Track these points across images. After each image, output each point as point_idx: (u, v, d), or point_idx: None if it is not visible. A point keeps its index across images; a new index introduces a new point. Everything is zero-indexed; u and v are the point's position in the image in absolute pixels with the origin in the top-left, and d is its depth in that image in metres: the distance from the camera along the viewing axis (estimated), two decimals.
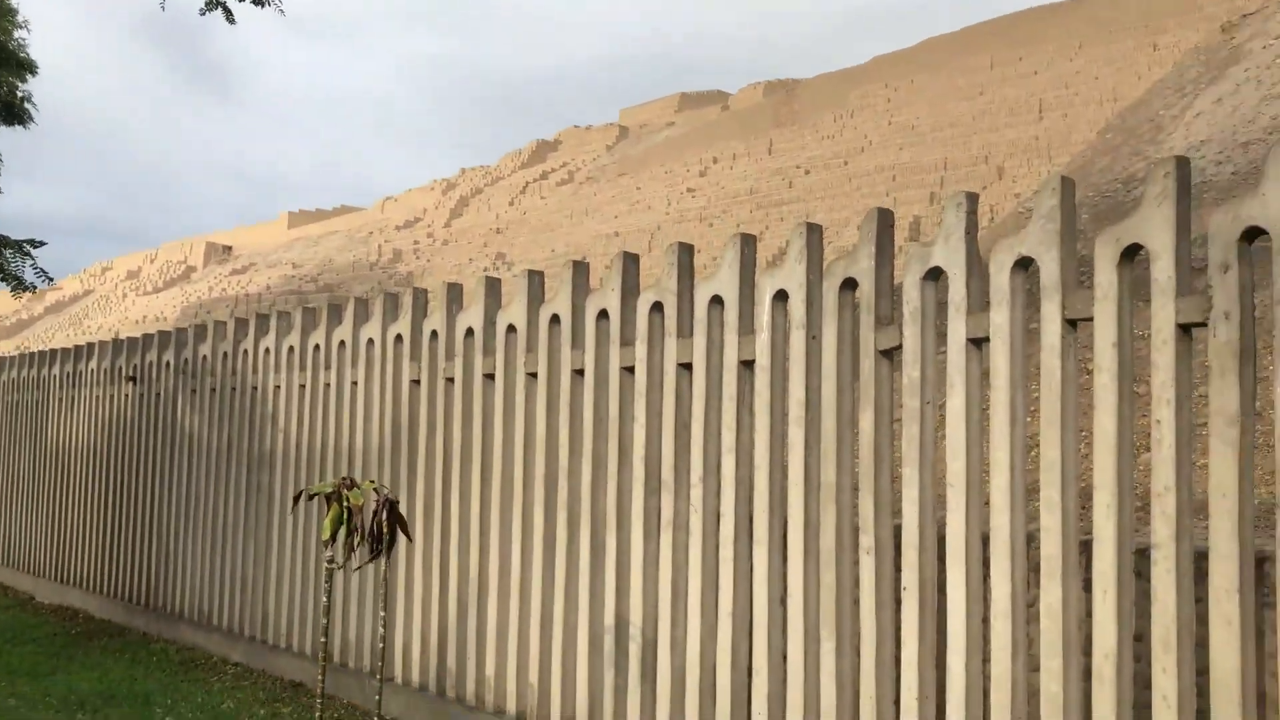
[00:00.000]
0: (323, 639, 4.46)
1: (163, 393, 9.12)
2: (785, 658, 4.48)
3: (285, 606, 7.44)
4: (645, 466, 5.14)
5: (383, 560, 4.03)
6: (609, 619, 5.22)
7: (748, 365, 4.80)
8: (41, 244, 6.50)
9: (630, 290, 5.42)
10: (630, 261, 5.49)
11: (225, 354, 8.37)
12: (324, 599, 4.39)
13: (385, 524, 3.94)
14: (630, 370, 5.32)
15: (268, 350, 7.93)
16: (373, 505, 3.99)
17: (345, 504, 3.89)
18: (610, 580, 5.24)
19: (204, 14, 7.98)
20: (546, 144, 66.42)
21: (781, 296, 4.68)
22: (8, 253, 6.26)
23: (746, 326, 4.81)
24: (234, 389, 8.25)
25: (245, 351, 8.16)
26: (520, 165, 64.11)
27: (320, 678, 4.53)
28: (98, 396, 10.15)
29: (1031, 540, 4.02)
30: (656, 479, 5.12)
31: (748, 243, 4.92)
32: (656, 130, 64.12)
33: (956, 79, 50.40)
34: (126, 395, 9.65)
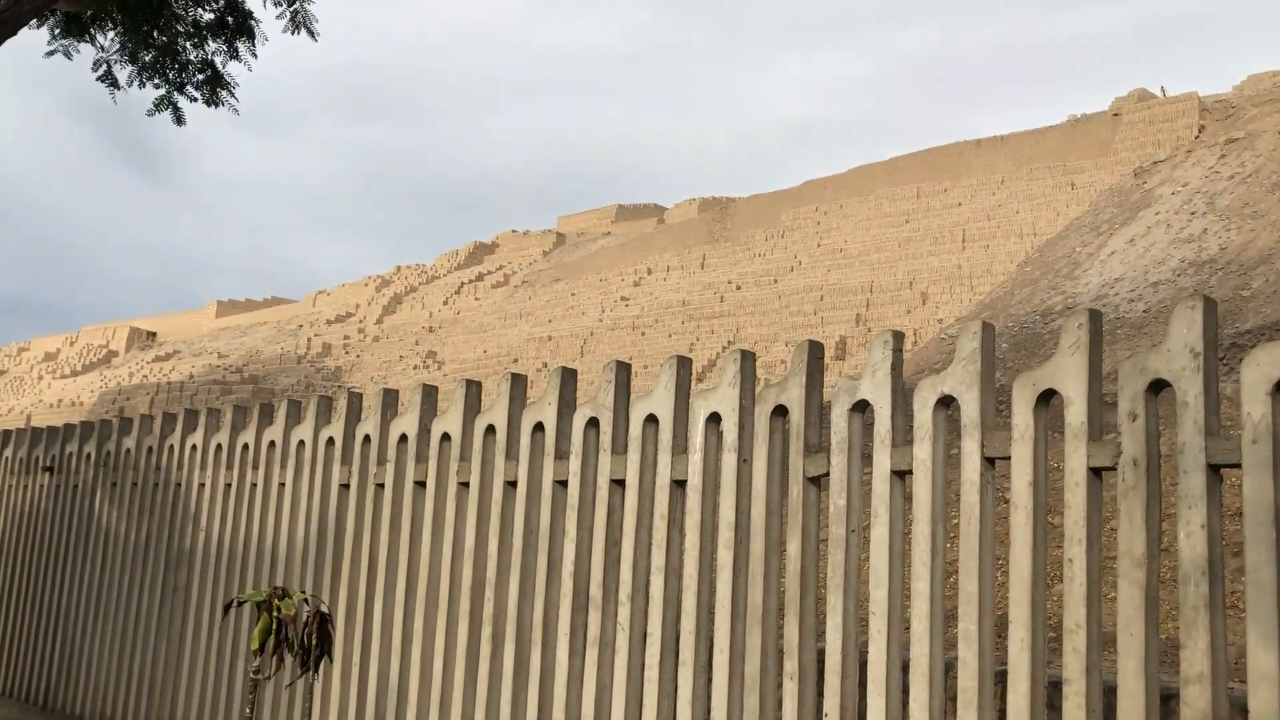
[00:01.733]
0: None
1: (81, 485, 8.92)
2: None
3: (194, 711, 7.22)
4: (574, 582, 5.17)
5: (313, 675, 3.99)
6: None
7: (680, 484, 4.90)
8: None
9: (567, 404, 5.52)
10: (568, 376, 5.60)
11: (150, 448, 8.24)
12: (248, 710, 4.30)
13: (315, 637, 3.91)
14: (563, 484, 5.39)
15: (194, 447, 7.84)
16: (304, 617, 3.97)
17: (276, 614, 3.87)
18: (533, 697, 5.21)
19: (151, 114, 8.06)
20: (484, 246, 66.97)
21: (715, 419, 4.81)
22: None
23: (680, 446, 4.93)
24: (156, 485, 8.12)
25: (171, 447, 8.06)
26: (456, 266, 64.46)
27: None
28: (10, 485, 9.88)
29: (949, 669, 4.13)
30: (584, 595, 5.15)
31: (683, 364, 5.07)
32: (593, 239, 65.09)
33: (884, 206, 52.20)
34: (42, 485, 9.42)
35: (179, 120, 8.25)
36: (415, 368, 41.33)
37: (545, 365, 42.03)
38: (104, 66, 8.26)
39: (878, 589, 4.15)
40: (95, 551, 8.59)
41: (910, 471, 4.15)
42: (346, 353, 46.41)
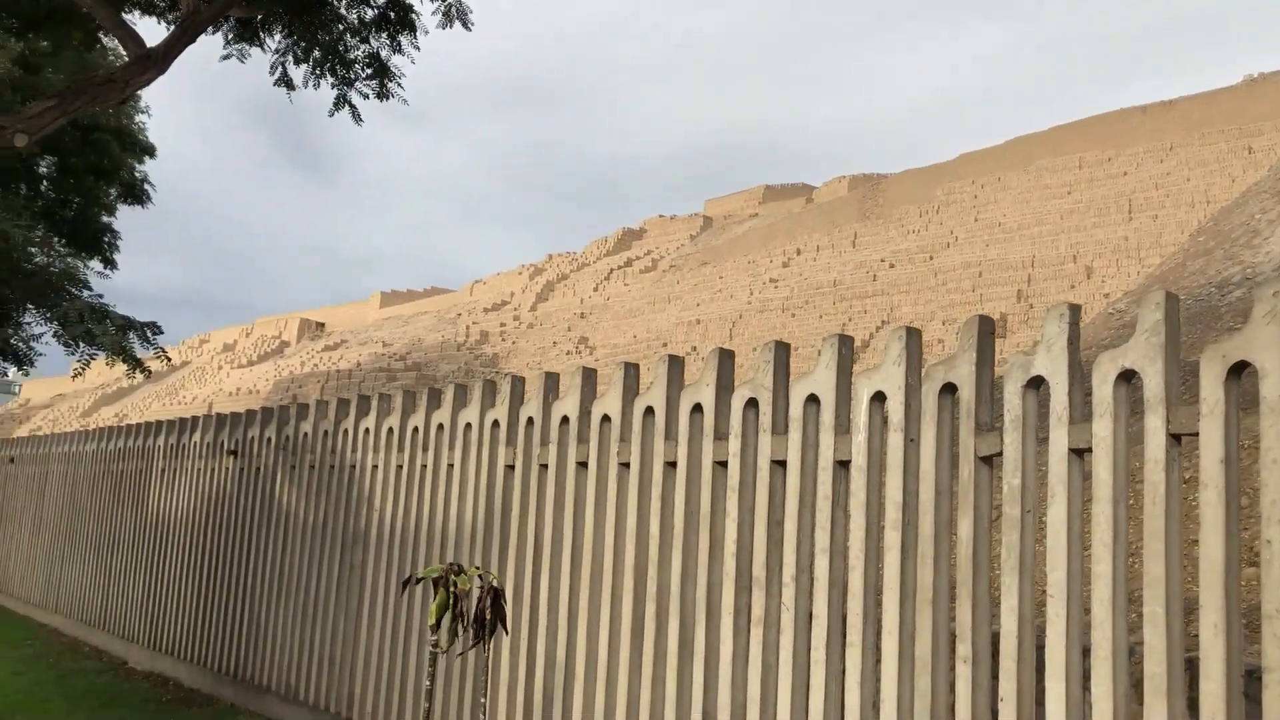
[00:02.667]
0: None
1: (262, 468, 9.41)
2: None
3: (372, 686, 7.53)
4: (737, 563, 5.17)
5: (484, 648, 4.11)
6: (696, 715, 5.21)
7: (843, 465, 4.84)
8: (160, 331, 6.83)
9: (725, 385, 5.52)
10: (726, 357, 5.59)
11: (326, 432, 8.63)
12: (426, 683, 4.47)
13: (489, 611, 4.03)
14: (723, 465, 5.39)
15: (367, 430, 8.16)
16: (477, 592, 4.09)
17: (452, 590, 4.00)
18: (698, 676, 5.25)
19: (332, 114, 8.40)
20: (632, 232, 67.46)
21: (879, 398, 4.73)
22: (132, 335, 6.58)
23: (843, 426, 4.86)
24: (332, 467, 8.49)
25: (345, 431, 8.41)
26: (606, 252, 65.13)
27: None
28: (199, 469, 10.49)
29: (1132, 654, 3.96)
30: (748, 576, 5.15)
31: (845, 343, 5.00)
32: (741, 221, 64.78)
33: (1045, 177, 50.23)
34: (227, 469, 9.97)
35: (357, 118, 8.57)
36: (568, 353, 41.99)
37: (694, 349, 42.11)
38: (280, 69, 8.65)
39: (1055, 571, 4.01)
40: (277, 531, 9.05)
41: (1089, 449, 3.99)
42: (503, 339, 47.50)
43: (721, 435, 5.41)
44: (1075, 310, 4.14)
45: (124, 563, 11.73)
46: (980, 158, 55.77)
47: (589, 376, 6.45)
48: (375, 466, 8.03)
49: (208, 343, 67.88)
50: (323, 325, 61.15)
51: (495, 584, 4.08)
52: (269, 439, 9.38)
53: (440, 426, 7.46)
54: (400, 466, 7.79)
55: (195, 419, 10.90)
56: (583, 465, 6.26)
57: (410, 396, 7.97)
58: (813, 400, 5.00)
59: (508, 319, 52.94)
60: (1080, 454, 4.04)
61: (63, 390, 72.62)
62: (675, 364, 5.87)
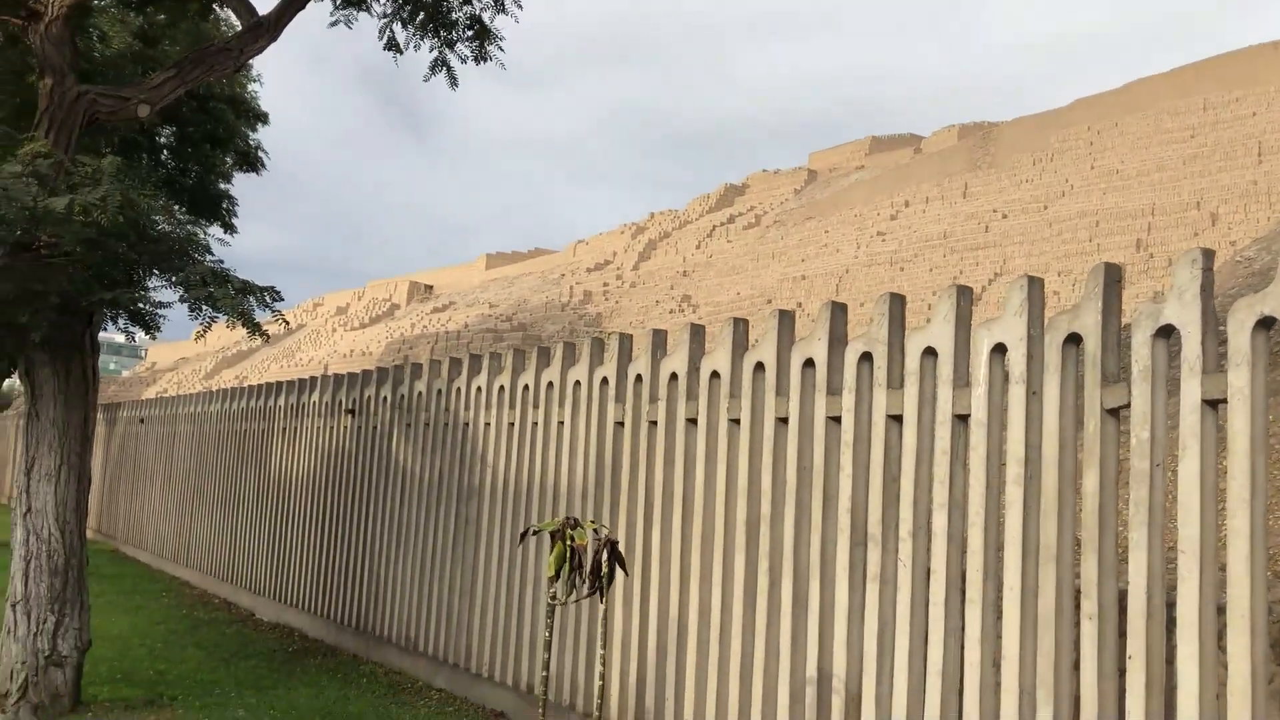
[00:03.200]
0: (544, 673, 4.62)
1: (379, 426, 9.64)
2: None
3: (489, 638, 7.70)
4: (851, 519, 5.12)
5: (600, 600, 4.15)
6: (810, 670, 5.20)
7: (962, 419, 4.73)
8: (280, 297, 7.02)
9: (838, 339, 5.43)
10: (838, 311, 5.50)
11: (439, 391, 8.79)
12: (545, 634, 4.54)
13: (606, 564, 4.06)
14: (836, 420, 5.32)
15: (479, 389, 8.29)
16: (593, 545, 4.13)
17: (569, 543, 4.04)
18: (813, 631, 5.22)
19: (428, 79, 8.46)
20: (734, 188, 66.90)
21: (999, 350, 4.60)
22: (250, 298, 6.77)
23: (961, 380, 4.75)
24: (446, 425, 8.65)
25: (458, 389, 8.55)
26: (708, 209, 64.76)
27: (541, 715, 4.66)
28: (318, 427, 10.81)
29: (1271, 614, 3.80)
30: (863, 532, 5.09)
31: (964, 294, 4.87)
32: (846, 174, 63.69)
33: (1165, 121, 48.12)
34: (345, 427, 10.24)
35: (453, 82, 8.61)
36: (670, 312, 41.97)
37: (799, 305, 41.66)
38: (387, 33, 8.74)
39: (1186, 527, 3.86)
40: (394, 487, 9.28)
41: (1223, 400, 3.81)
42: (606, 299, 47.69)
43: (835, 390, 5.34)
44: (1209, 256, 3.96)
45: (249, 519, 12.18)
46: (1096, 102, 53.66)
47: (697, 333, 6.43)
48: (488, 424, 8.15)
49: (321, 306, 69.79)
50: (431, 287, 62.27)
51: (611, 536, 4.11)
52: (385, 398, 9.60)
53: (550, 384, 7.53)
54: (512, 424, 7.89)
55: (314, 380, 11.22)
56: (692, 422, 6.25)
57: (520, 355, 8.06)
58: (930, 353, 4.89)
59: (610, 278, 53.12)
60: (1214, 405, 3.88)
61: (186, 354, 75.48)
62: (785, 319, 5.80)
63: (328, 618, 10.06)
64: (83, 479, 7.19)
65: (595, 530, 4.17)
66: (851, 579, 5.07)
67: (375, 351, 44.44)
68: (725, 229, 58.16)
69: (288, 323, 7.66)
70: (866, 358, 5.21)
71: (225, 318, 6.69)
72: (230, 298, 6.55)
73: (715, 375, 6.10)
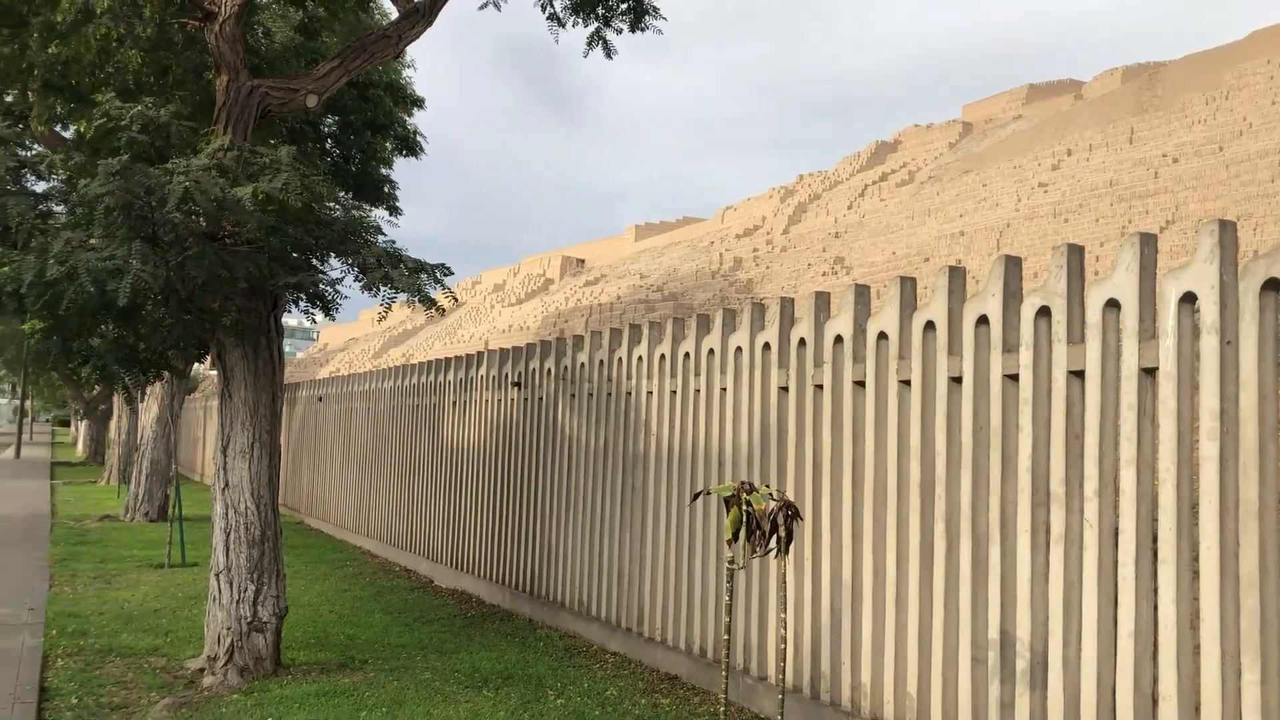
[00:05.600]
0: (725, 637, 4.66)
1: (545, 397, 9.85)
2: (1198, 685, 4.18)
3: (659, 602, 7.81)
4: (1032, 478, 4.97)
5: (782, 563, 4.16)
6: (993, 633, 5.09)
7: (1148, 373, 4.53)
8: (450, 272, 7.23)
9: (1013, 294, 5.26)
10: (1012, 265, 5.32)
11: (601, 361, 8.92)
12: (725, 598, 4.57)
13: (784, 527, 4.06)
14: (1013, 378, 5.16)
15: (640, 358, 8.37)
16: (770, 508, 4.14)
17: (746, 506, 4.06)
18: (994, 595, 5.10)
19: (586, 54, 8.54)
20: (885, 145, 65.32)
21: (1188, 299, 4.37)
22: (423, 276, 7.00)
23: (1147, 331, 4.54)
24: (609, 394, 8.78)
25: (620, 359, 8.66)
26: (859, 168, 63.48)
27: (724, 677, 4.71)
28: (486, 400, 11.12)
29: None
30: (1044, 492, 4.93)
31: (1147, 242, 4.64)
32: (1003, 124, 61.38)
33: None
34: (512, 399, 10.51)
35: (609, 53, 8.67)
36: (823, 274, 41.37)
37: (958, 262, 40.44)
38: (549, 8, 8.86)
39: None
40: (561, 456, 9.48)
41: None
42: (756, 265, 47.35)
43: (1010, 347, 5.18)
44: None
45: (424, 489, 12.65)
46: (1276, 34, 50.04)
47: (862, 294, 6.32)
48: (649, 393, 8.23)
49: (479, 284, 71.60)
50: (583, 261, 63.04)
51: (789, 501, 4.10)
52: (549, 370, 9.80)
53: (711, 351, 7.54)
54: (674, 392, 7.94)
55: (480, 354, 11.53)
56: (860, 384, 6.17)
57: (680, 324, 8.09)
58: (1112, 305, 4.69)
59: (760, 244, 52.72)
60: None
61: (355, 335, 78.60)
62: (956, 275, 5.65)
63: (502, 583, 10.38)
64: (273, 455, 7.59)
65: (771, 494, 4.16)
66: (1034, 540, 4.93)
67: (532, 326, 45.32)
68: (877, 187, 56.91)
69: (457, 299, 7.90)
70: (1044, 312, 5.03)
71: (404, 297, 6.94)
72: (405, 277, 6.79)
73: (883, 336, 6.00)
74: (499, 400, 10.81)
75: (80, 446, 48.31)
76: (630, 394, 8.49)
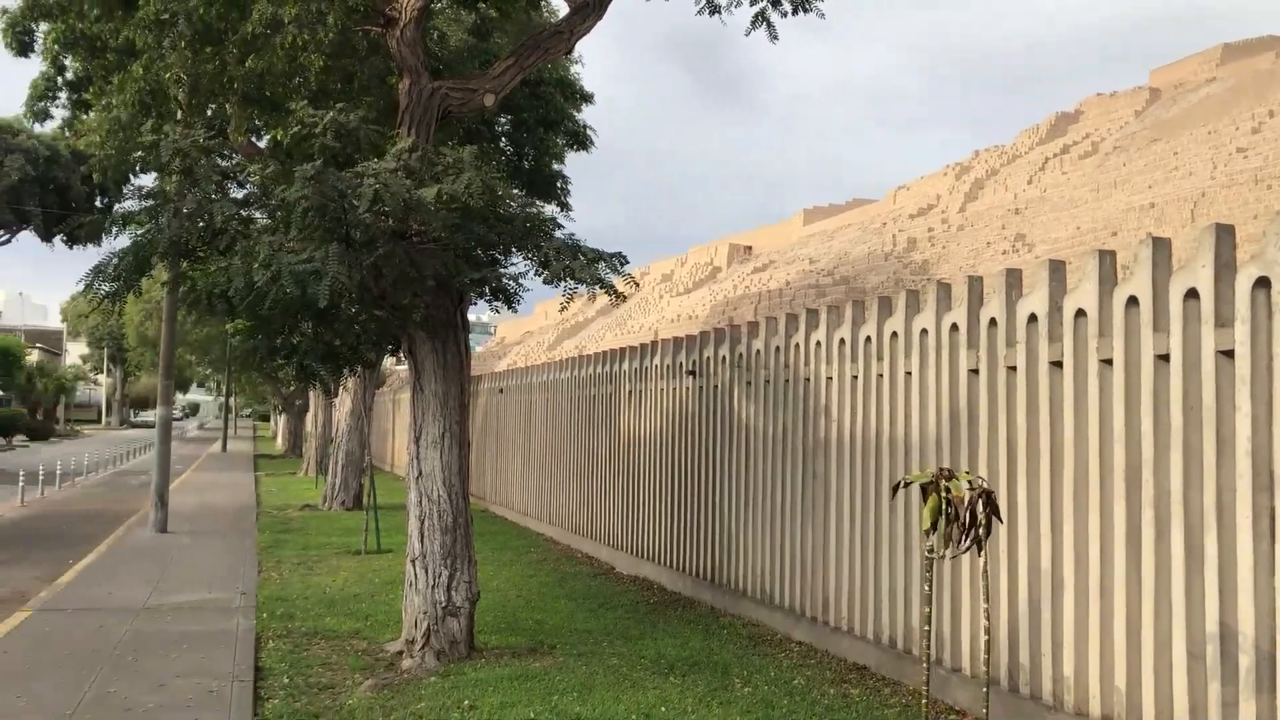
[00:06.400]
0: (926, 628, 4.53)
1: (720, 385, 9.82)
2: None
3: (845, 591, 7.68)
4: (1252, 462, 4.63)
5: (982, 552, 4.00)
6: (1210, 626, 4.78)
7: None
8: (626, 261, 7.30)
9: (1225, 265, 4.92)
10: (1224, 233, 4.98)
11: (777, 348, 8.82)
12: (925, 588, 4.45)
13: (983, 515, 3.91)
14: (1228, 354, 4.83)
15: (818, 343, 8.24)
16: (968, 495, 3.99)
17: (945, 494, 3.92)
18: (1211, 585, 4.79)
19: (749, 34, 8.45)
20: (1066, 116, 62.44)
21: None
22: (602, 265, 7.09)
23: None
24: (786, 381, 8.67)
25: (796, 345, 8.54)
26: (1038, 141, 60.89)
27: (926, 670, 4.58)
28: (662, 389, 11.17)
29: None
30: (1267, 475, 4.60)
31: None
32: (1195, 88, 57.75)
33: None
34: (687, 388, 10.52)
35: (773, 36, 8.55)
36: (1004, 253, 39.91)
37: (1148, 236, 38.10)
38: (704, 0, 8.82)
39: None
40: (738, 444, 9.43)
41: None
42: (931, 245, 46.07)
43: (1224, 322, 4.84)
44: None
45: (602, 477, 12.82)
46: None
47: (1056, 269, 6.04)
48: (829, 378, 8.09)
49: (648, 274, 72.15)
50: (750, 248, 62.69)
51: (987, 487, 3.94)
52: (724, 357, 9.76)
53: (894, 334, 7.35)
54: (855, 377, 7.78)
55: (655, 344, 11.60)
56: (1056, 365, 5.89)
57: (859, 306, 7.92)
58: None
59: (935, 223, 51.25)
60: None
61: (530, 328, 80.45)
62: (1160, 246, 5.32)
63: (682, 571, 10.42)
64: (463, 445, 7.82)
65: (969, 482, 4.01)
66: (1256, 528, 4.60)
67: (701, 315, 45.36)
68: (1059, 160, 54.47)
69: (638, 285, 7.96)
70: (1262, 284, 4.68)
71: (585, 288, 7.04)
72: (585, 267, 6.88)
73: (1080, 314, 5.71)
74: (674, 389, 10.84)
75: (280, 440, 51.22)
76: (809, 380, 8.37)
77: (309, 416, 32.61)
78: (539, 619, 8.96)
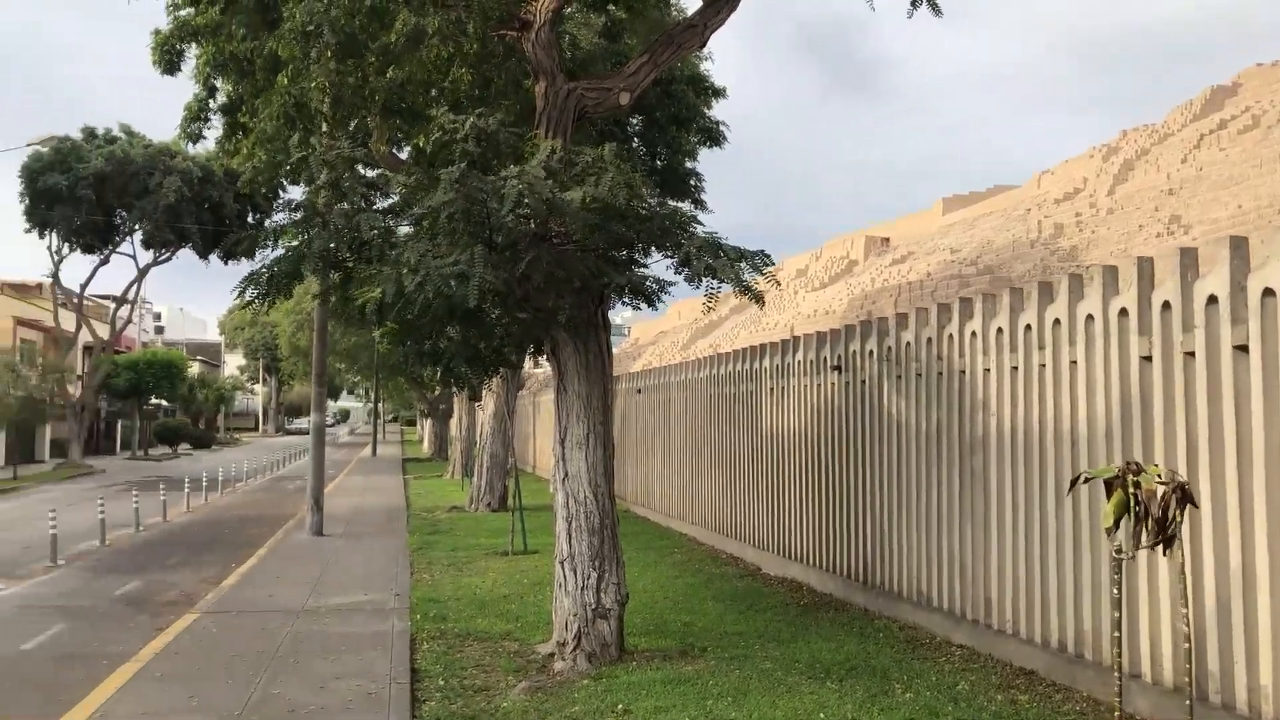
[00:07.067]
0: (1117, 633, 4.23)
1: (867, 380, 9.54)
2: None
3: (1009, 592, 7.33)
4: None
5: (1171, 553, 3.70)
6: None
7: None
8: (770, 261, 7.12)
9: None
10: None
11: (929, 339, 8.50)
12: (1115, 592, 4.14)
13: (1176, 511, 3.61)
14: None
15: (974, 333, 7.89)
16: (1159, 491, 3.69)
17: (1133, 490, 3.64)
18: None
19: (910, 15, 8.13)
20: (1222, 89, 59.18)
21: None
22: (743, 265, 6.92)
23: None
24: (939, 374, 8.35)
25: (950, 336, 8.21)
26: (1191, 117, 57.93)
27: (1117, 678, 4.27)
28: (805, 385, 10.93)
29: None
30: None
31: None
32: None
33: None
34: (832, 383, 10.26)
35: (937, 12, 8.21)
36: (1158, 235, 38.04)
37: None
38: None
39: None
40: (887, 441, 9.13)
41: None
42: (1079, 230, 44.30)
43: None
44: None
45: (744, 476, 12.64)
46: None
47: (1239, 246, 5.61)
48: (986, 370, 7.75)
49: (781, 270, 71.48)
50: (887, 240, 61.46)
51: (1181, 480, 3.63)
52: (870, 351, 9.47)
53: (1056, 321, 6.97)
54: (1014, 368, 7.43)
55: (796, 339, 11.36)
56: (1241, 349, 5.47)
57: (1018, 294, 7.55)
58: None
59: (1083, 207, 49.28)
60: None
61: (663, 328, 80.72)
62: None
63: (832, 572, 10.16)
64: (607, 445, 7.77)
65: (1159, 476, 3.71)
66: None
67: (838, 310, 44.66)
68: (1215, 136, 51.70)
69: (779, 284, 7.77)
70: None
71: (731, 288, 6.90)
72: (727, 266, 6.73)
73: (1269, 293, 5.29)
74: (818, 385, 10.59)
75: (425, 444, 52.60)
76: (963, 373, 8.03)
77: (453, 420, 33.33)
78: (687, 621, 8.84)
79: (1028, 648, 7.04)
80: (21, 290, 48.23)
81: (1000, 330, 7.56)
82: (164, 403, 59.32)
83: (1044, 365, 7.07)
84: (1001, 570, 7.42)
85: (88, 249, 40.40)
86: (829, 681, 6.76)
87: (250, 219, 40.79)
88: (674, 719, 5.98)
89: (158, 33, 12.16)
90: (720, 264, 6.76)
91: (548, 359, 8.04)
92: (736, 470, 12.98)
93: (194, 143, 13.75)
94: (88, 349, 46.17)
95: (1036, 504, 7.05)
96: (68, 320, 41.82)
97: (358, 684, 7.03)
